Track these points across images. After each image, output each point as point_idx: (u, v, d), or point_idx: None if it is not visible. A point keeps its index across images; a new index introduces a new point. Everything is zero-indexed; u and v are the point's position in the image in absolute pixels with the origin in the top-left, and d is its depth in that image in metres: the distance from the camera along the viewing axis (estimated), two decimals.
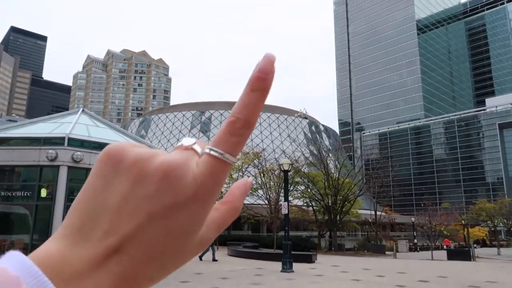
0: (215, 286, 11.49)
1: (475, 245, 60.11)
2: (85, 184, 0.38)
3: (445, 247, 46.38)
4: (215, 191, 0.40)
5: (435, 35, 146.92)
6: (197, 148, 0.40)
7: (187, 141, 0.41)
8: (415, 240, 54.03)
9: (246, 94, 0.40)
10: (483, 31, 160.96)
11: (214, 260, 19.65)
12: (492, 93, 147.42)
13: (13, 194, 13.40)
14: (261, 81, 0.40)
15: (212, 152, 0.39)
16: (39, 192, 13.01)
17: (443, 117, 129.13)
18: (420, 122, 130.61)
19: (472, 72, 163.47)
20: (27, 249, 12.56)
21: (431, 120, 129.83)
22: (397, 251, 32.26)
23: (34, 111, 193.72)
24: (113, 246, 0.35)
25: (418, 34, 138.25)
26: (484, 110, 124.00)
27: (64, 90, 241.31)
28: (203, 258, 19.16)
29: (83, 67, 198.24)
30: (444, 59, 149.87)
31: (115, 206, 0.36)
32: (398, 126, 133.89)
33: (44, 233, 12.63)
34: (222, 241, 34.25)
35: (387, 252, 32.58)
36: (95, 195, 0.37)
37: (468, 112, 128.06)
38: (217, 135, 0.40)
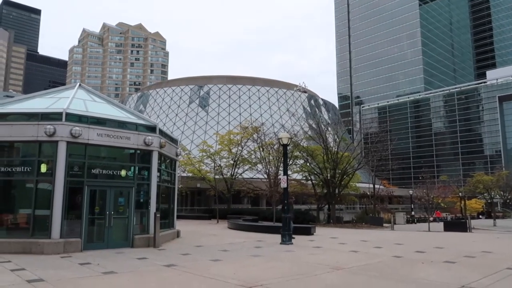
0: (215, 258, 11.70)
1: (480, 216, 61.55)
2: None
3: (436, 219, 47.45)
4: None
5: (437, 6, 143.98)
6: None
7: None
8: (413, 213, 54.84)
9: None
10: (486, 1, 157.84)
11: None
12: (493, 65, 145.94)
13: (13, 169, 13.41)
14: None
15: None
16: (39, 167, 13.02)
17: (442, 90, 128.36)
18: (420, 95, 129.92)
19: (474, 44, 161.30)
20: (29, 223, 12.71)
21: (431, 93, 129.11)
22: (395, 223, 32.74)
23: (31, 86, 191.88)
24: None
25: (419, 5, 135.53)
26: (484, 82, 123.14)
27: (61, 65, 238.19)
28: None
29: (79, 41, 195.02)
30: (446, 31, 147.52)
31: None
32: (398, 100, 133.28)
33: (45, 208, 12.74)
34: (222, 214, 34.68)
35: (384, 225, 33.07)
36: None
37: (468, 85, 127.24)
38: None
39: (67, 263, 10.55)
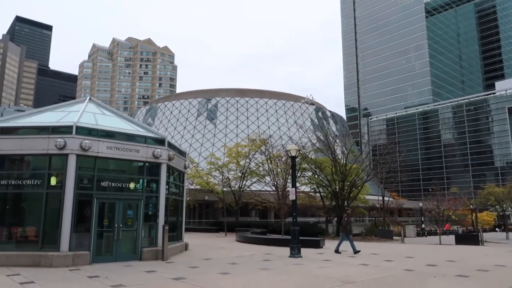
0: (224, 271, 11.61)
1: (497, 229, 60.55)
2: None
3: (446, 231, 46.76)
4: None
5: (444, 18, 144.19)
6: None
7: None
8: (423, 225, 54.08)
9: None
10: (493, 13, 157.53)
11: (337, 251, 17.31)
12: (502, 77, 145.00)
13: (24, 182, 13.53)
14: None
15: None
16: (49, 180, 13.12)
17: (451, 102, 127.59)
18: (428, 107, 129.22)
19: (482, 55, 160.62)
20: (38, 236, 12.75)
21: (439, 104, 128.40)
22: (405, 236, 32.29)
23: (41, 100, 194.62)
24: None
25: (426, 17, 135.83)
26: (493, 93, 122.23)
27: (71, 79, 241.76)
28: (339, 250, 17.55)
29: (89, 56, 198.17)
30: (453, 43, 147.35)
31: None
32: (406, 111, 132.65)
33: (55, 221, 12.79)
34: (230, 227, 34.49)
35: (394, 237, 32.61)
36: None
37: (477, 96, 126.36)
38: None
39: (76, 276, 10.54)
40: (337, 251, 17.38)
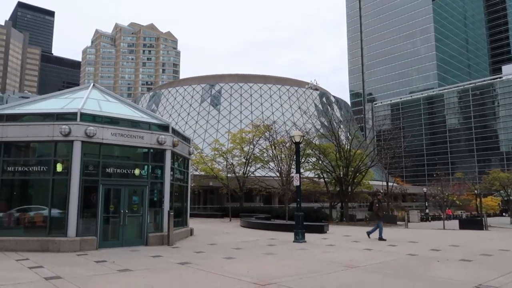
0: (229, 256, 11.75)
1: (504, 214, 60.55)
2: None
3: (445, 216, 46.73)
4: None
5: (451, 1, 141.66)
6: None
7: None
8: (427, 210, 54.18)
9: None
10: None
11: (381, 239, 16.45)
12: (508, 60, 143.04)
13: (30, 169, 13.65)
14: None
15: None
16: (55, 167, 13.23)
17: (457, 86, 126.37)
18: (433, 91, 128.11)
19: (489, 38, 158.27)
20: (46, 222, 12.93)
21: (445, 89, 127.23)
22: (409, 221, 32.41)
23: (45, 87, 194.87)
24: None
25: (432, 0, 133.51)
26: (500, 78, 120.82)
27: (74, 65, 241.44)
28: (371, 236, 17.10)
29: (92, 42, 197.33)
30: (460, 26, 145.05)
31: None
32: (411, 96, 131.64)
33: (62, 206, 12.94)
34: (234, 213, 34.79)
35: (398, 223, 32.75)
36: None
37: (484, 80, 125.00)
38: None
39: (83, 260, 10.71)
40: (381, 238, 16.46)
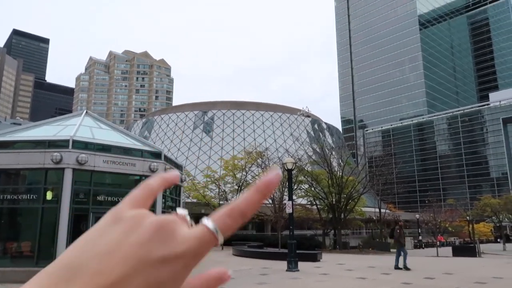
0: (221, 286, 11.52)
1: (498, 240, 60.33)
2: (85, 232, 0.42)
3: (438, 243, 46.57)
4: (197, 258, 0.47)
5: (438, 30, 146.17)
6: (188, 218, 0.48)
7: (180, 211, 0.49)
8: (420, 237, 53.94)
9: (251, 193, 0.50)
10: (486, 25, 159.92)
11: (405, 267, 15.93)
12: (495, 88, 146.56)
13: (19, 197, 13.48)
14: (266, 188, 0.50)
15: (208, 223, 0.47)
16: (45, 195, 13.08)
17: (446, 113, 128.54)
18: (423, 118, 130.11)
19: (476, 67, 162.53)
20: (34, 252, 12.65)
21: (434, 116, 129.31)
22: None
23: (38, 113, 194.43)
24: (103, 285, 0.37)
25: (420, 29, 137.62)
26: (487, 104, 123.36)
27: (67, 92, 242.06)
28: (400, 265, 16.23)
29: (86, 69, 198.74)
30: (447, 54, 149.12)
31: (109, 249, 0.39)
32: (401, 123, 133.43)
33: (50, 236, 12.71)
34: (226, 241, 34.20)
35: (391, 250, 32.51)
36: (92, 239, 0.41)
37: (472, 107, 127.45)
38: (217, 213, 0.49)
39: None
40: (405, 266, 15.88)
